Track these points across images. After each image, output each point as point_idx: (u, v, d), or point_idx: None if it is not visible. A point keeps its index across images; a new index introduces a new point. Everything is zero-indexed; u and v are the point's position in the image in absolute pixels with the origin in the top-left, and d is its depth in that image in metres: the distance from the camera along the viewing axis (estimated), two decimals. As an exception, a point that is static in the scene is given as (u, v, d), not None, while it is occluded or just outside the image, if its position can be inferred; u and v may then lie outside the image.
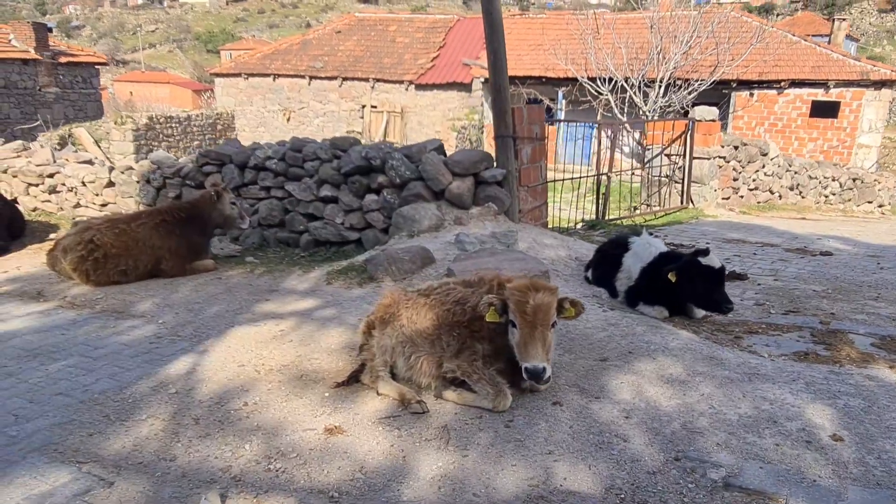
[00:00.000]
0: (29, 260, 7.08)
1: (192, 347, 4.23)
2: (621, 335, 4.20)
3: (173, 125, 23.88)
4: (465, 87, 23.97)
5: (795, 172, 14.31)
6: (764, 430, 3.04)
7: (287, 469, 2.85)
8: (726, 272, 4.62)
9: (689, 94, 16.20)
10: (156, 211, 6.51)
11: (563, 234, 7.74)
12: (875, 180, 15.44)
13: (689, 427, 3.08)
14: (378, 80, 25.30)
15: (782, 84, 20.27)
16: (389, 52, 26.39)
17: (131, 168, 8.77)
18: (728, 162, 12.95)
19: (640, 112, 16.26)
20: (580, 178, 10.55)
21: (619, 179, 11.17)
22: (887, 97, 19.99)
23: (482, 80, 23.07)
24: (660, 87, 16.07)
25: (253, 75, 26.85)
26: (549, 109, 20.53)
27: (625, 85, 16.36)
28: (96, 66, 26.60)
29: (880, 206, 15.11)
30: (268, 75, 26.64)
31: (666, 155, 11.43)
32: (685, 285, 4.41)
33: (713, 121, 11.84)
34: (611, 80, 16.68)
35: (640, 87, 16.23)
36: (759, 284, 5.78)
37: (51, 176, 9.09)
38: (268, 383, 3.66)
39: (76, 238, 5.95)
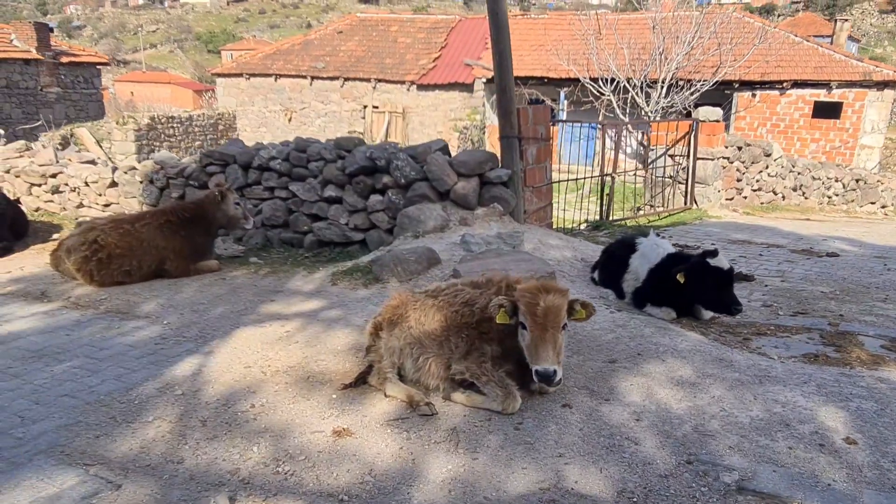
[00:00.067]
0: (32, 260, 7.06)
1: (197, 348, 4.21)
2: (629, 336, 4.18)
3: (175, 125, 23.86)
4: (467, 87, 23.95)
5: (799, 173, 14.28)
6: (776, 433, 3.01)
7: (296, 472, 2.83)
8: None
9: (692, 94, 16.19)
10: (160, 211, 6.49)
11: (567, 234, 7.72)
12: (878, 181, 15.41)
13: (701, 430, 3.06)
14: (380, 81, 25.28)
15: (784, 85, 20.24)
16: (391, 52, 26.37)
17: (135, 168, 8.75)
18: (732, 163, 12.93)
19: (643, 113, 16.24)
20: (585, 178, 10.53)
21: (622, 180, 11.15)
22: (890, 98, 19.96)
23: (484, 80, 23.06)
24: (662, 87, 16.06)
25: (254, 75, 26.83)
26: (550, 110, 20.48)
27: (627, 85, 16.34)
28: (98, 67, 26.58)
29: (883, 207, 15.08)
30: (269, 75, 26.61)
31: (670, 156, 11.40)
32: (694, 287, 4.39)
33: (717, 121, 11.81)
34: (613, 80, 16.66)
35: (642, 88, 16.21)
36: (766, 286, 5.75)
37: (54, 176, 9.07)
38: (274, 385, 3.63)
39: (80, 238, 5.93)
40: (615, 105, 16.66)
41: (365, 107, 25.71)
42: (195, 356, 4.07)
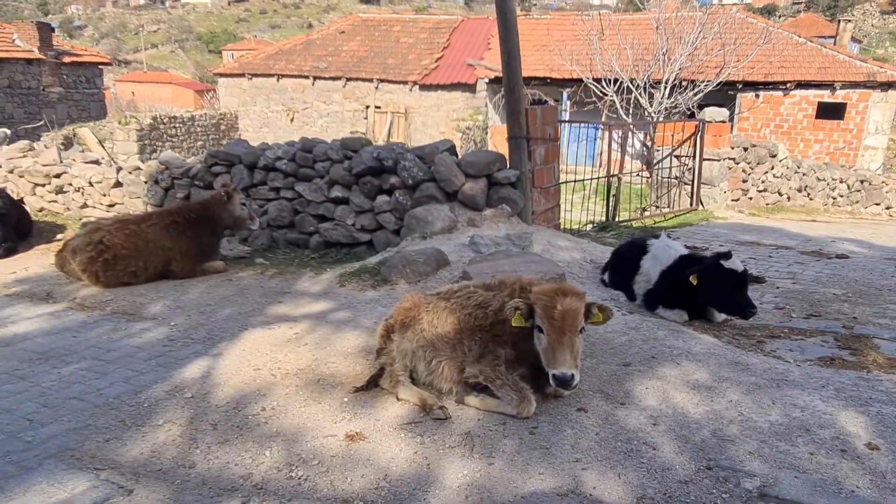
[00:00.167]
0: (36, 260, 7.01)
1: (205, 350, 4.16)
2: (643, 339, 4.13)
3: (177, 125, 23.82)
4: (470, 87, 23.89)
5: (804, 174, 14.24)
6: (797, 438, 2.97)
7: (309, 477, 2.79)
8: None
9: (695, 95, 16.13)
10: (166, 212, 6.45)
11: (575, 236, 7.68)
12: (882, 182, 15.36)
13: (720, 435, 3.01)
14: (382, 81, 25.23)
15: (788, 85, 20.18)
16: (393, 52, 26.32)
17: (139, 168, 8.71)
18: (737, 163, 12.88)
19: (646, 113, 16.19)
20: (592, 179, 10.48)
21: (629, 181, 11.10)
22: (894, 99, 19.88)
23: (486, 80, 23.01)
24: (665, 88, 16.01)
25: (256, 75, 26.78)
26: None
27: (630, 86, 16.29)
28: (100, 66, 26.54)
29: (888, 208, 15.03)
30: (271, 75, 26.56)
31: (676, 156, 11.36)
32: (707, 289, 4.35)
33: (723, 122, 11.76)
34: (616, 81, 16.61)
35: (645, 89, 16.16)
36: (777, 288, 5.71)
37: (57, 176, 9.03)
38: (285, 388, 3.59)
39: (85, 239, 5.89)
40: (618, 106, 16.61)
41: (367, 107, 25.66)
42: (204, 358, 4.02)
